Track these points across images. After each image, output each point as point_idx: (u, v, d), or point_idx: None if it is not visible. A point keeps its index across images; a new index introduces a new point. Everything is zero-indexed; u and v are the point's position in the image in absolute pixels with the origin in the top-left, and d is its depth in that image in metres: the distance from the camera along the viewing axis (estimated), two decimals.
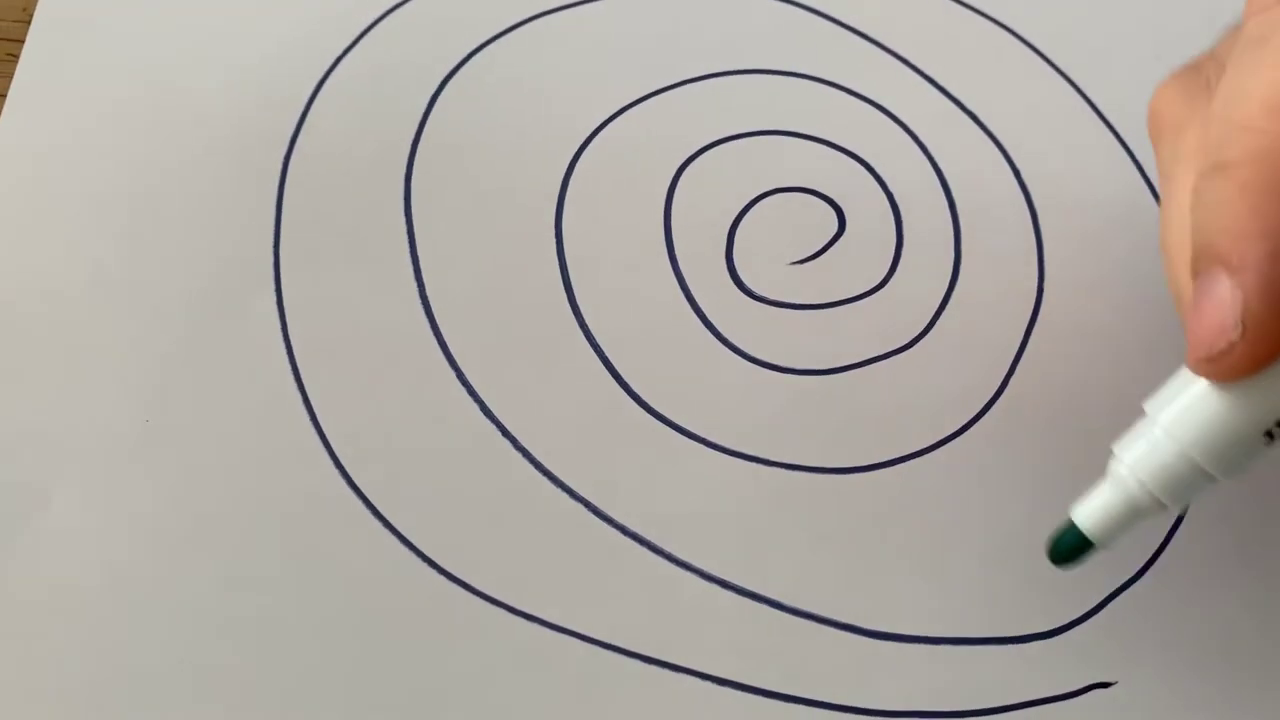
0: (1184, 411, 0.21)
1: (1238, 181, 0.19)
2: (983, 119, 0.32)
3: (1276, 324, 0.19)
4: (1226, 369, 0.20)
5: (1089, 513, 0.23)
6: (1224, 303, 0.19)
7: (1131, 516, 0.22)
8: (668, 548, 0.26)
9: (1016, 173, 0.31)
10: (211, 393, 0.27)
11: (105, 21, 0.31)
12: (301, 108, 0.31)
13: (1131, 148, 0.32)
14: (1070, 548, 0.23)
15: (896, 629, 0.26)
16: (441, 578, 0.25)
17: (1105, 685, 0.25)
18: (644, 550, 0.26)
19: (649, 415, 0.28)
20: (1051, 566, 0.23)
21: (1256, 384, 0.20)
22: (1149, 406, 0.22)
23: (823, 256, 0.30)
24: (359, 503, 0.26)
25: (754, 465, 0.27)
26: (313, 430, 0.27)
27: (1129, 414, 0.28)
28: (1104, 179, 0.31)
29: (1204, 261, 0.20)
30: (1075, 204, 0.31)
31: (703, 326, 0.29)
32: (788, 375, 0.28)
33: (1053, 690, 0.25)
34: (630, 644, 0.25)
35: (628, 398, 0.28)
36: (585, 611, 0.25)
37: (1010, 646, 0.26)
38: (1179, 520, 0.27)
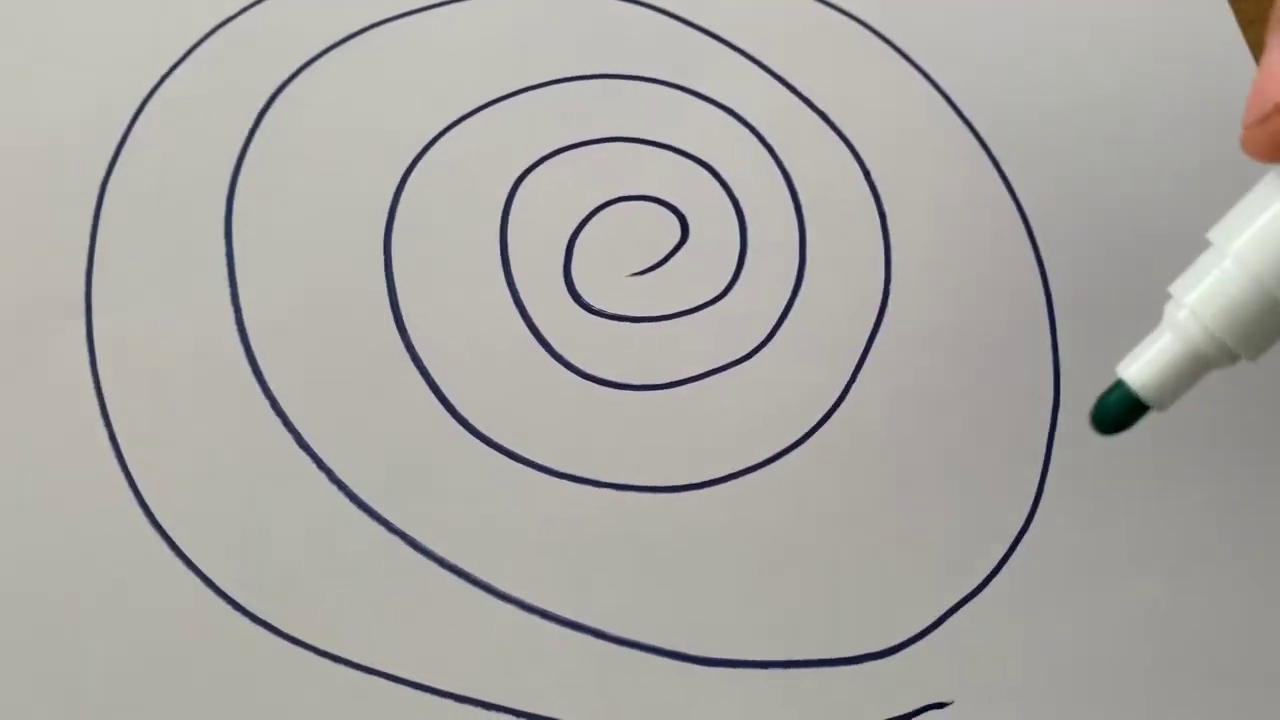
0: (1260, 234, 0.18)
1: None
2: (832, 117, 0.31)
3: None
4: (1273, 134, 0.17)
5: (1143, 368, 0.19)
6: None
7: (1196, 369, 0.19)
8: (487, 578, 0.25)
9: (866, 173, 0.30)
10: (13, 428, 0.26)
11: None
12: (122, 130, 0.30)
13: (988, 143, 0.31)
14: (1120, 411, 0.19)
15: (726, 654, 0.25)
16: (244, 619, 0.24)
17: (941, 705, 0.24)
18: (462, 582, 0.25)
19: (474, 439, 0.27)
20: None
21: None
22: (1214, 235, 0.18)
23: (664, 266, 0.29)
24: (161, 542, 0.25)
25: (582, 487, 0.26)
26: (117, 466, 0.25)
27: (979, 421, 0.27)
28: (957, 177, 0.31)
29: (1273, 27, 0.18)
30: (926, 203, 0.30)
31: (536, 344, 0.28)
32: (624, 391, 0.27)
33: (888, 712, 0.24)
34: (444, 683, 0.24)
35: (453, 421, 0.27)
36: (396, 650, 0.24)
37: (844, 668, 0.25)
38: (1023, 529, 0.26)
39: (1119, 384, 0.20)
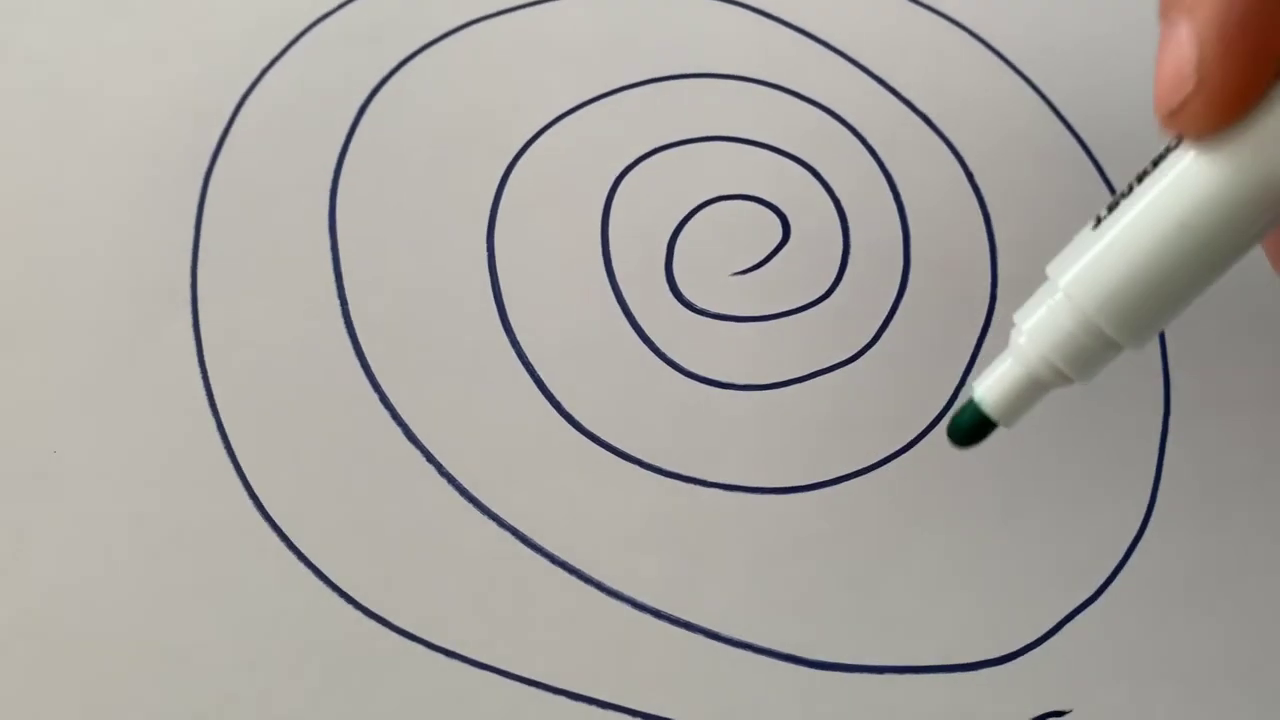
0: (1084, 270, 0.19)
1: None
2: (934, 119, 0.31)
3: (1234, 73, 0.17)
4: (1187, 124, 0.18)
5: (989, 387, 0.21)
6: (1181, 50, 0.17)
7: (1034, 391, 0.20)
8: (598, 576, 0.25)
9: (969, 175, 0.30)
10: (122, 422, 0.26)
11: (13, 33, 0.30)
12: (224, 124, 0.30)
13: (1092, 150, 0.31)
14: (970, 426, 0.21)
15: (840, 658, 0.24)
16: (358, 613, 0.24)
17: (1060, 714, 0.24)
18: (572, 579, 0.25)
19: (581, 436, 0.26)
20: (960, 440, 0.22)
21: (1165, 241, 0.18)
22: (1050, 268, 0.20)
23: (766, 267, 0.29)
24: (273, 535, 0.25)
25: (690, 486, 0.26)
26: (227, 459, 0.25)
27: (1082, 423, 0.27)
28: (1060, 179, 0.30)
29: (1163, 10, 0.18)
30: (1030, 205, 0.30)
31: (640, 342, 0.28)
32: (728, 391, 0.27)
33: None
34: (556, 680, 0.24)
35: (560, 418, 0.27)
36: (509, 646, 0.24)
37: (959, 674, 0.24)
38: (1138, 535, 0.26)
39: (970, 401, 0.21)
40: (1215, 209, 0.18)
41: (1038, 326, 0.20)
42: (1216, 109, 0.17)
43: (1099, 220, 0.20)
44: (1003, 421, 0.21)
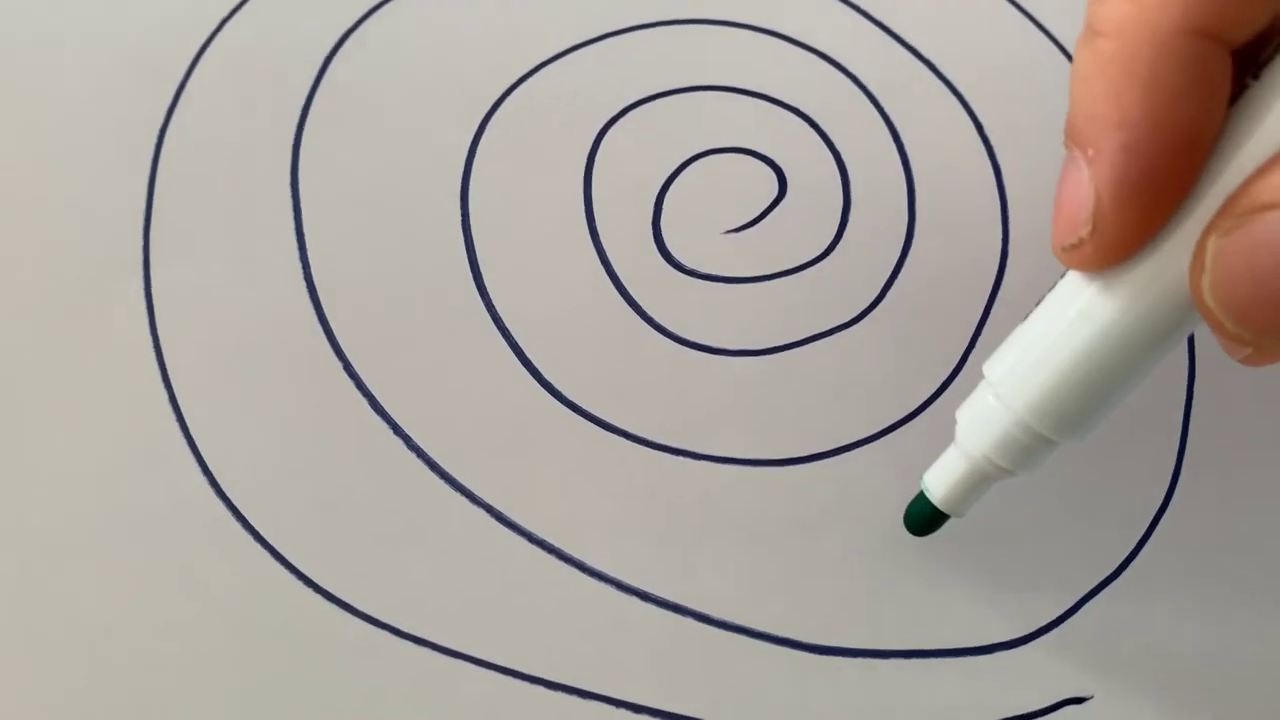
0: (1012, 370, 0.19)
1: (1102, 56, 0.17)
2: (939, 66, 0.29)
3: (1127, 223, 0.18)
4: (1079, 263, 0.18)
5: (937, 481, 0.21)
6: (1080, 192, 0.18)
7: (979, 484, 0.21)
8: (580, 556, 0.23)
9: (979, 126, 0.28)
10: (66, 396, 0.24)
11: None
12: (180, 77, 0.28)
13: None
14: (923, 517, 0.22)
15: (841, 642, 0.23)
16: (319, 598, 0.22)
17: (1080, 700, 0.22)
18: (553, 560, 0.23)
19: (563, 406, 0.25)
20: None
21: (1092, 341, 0.19)
22: (986, 368, 0.20)
23: (761, 223, 0.27)
24: (229, 515, 0.23)
25: (681, 459, 0.24)
26: (180, 436, 0.24)
27: None
28: None
29: (1068, 140, 0.18)
30: (1043, 158, 0.28)
31: (626, 306, 0.26)
32: (721, 357, 0.25)
33: (1021, 707, 0.22)
34: (535, 669, 0.22)
35: (539, 388, 0.25)
36: (485, 633, 0.22)
37: (971, 658, 0.23)
38: (1161, 509, 0.24)
39: (921, 493, 0.22)
40: (1120, 332, 0.18)
41: (975, 425, 0.20)
42: (1107, 255, 0.18)
43: (1027, 315, 0.20)
44: (953, 513, 0.22)
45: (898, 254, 0.27)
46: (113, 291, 0.25)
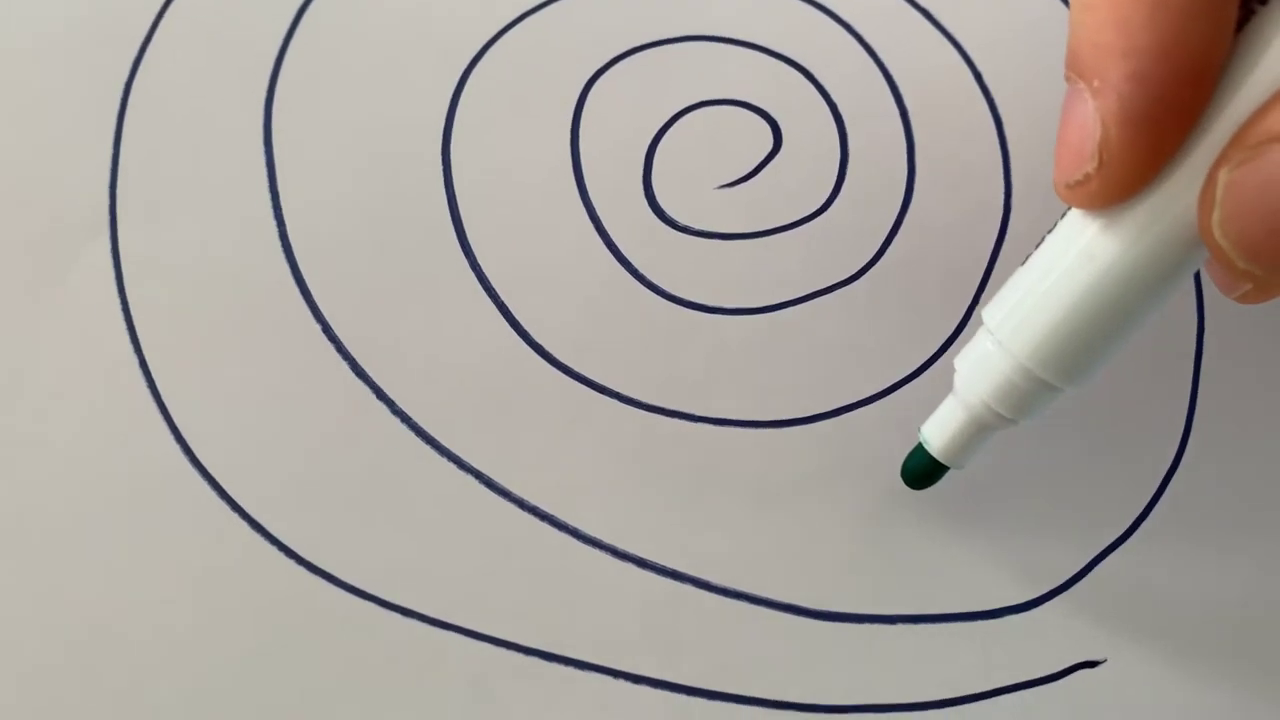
0: (1012, 315, 0.19)
1: None
2: (936, 15, 0.28)
3: (1136, 155, 0.17)
4: (1084, 200, 0.18)
5: (935, 431, 0.21)
6: (1086, 125, 0.17)
7: (979, 433, 0.20)
8: (573, 523, 0.22)
9: (977, 74, 0.27)
10: (32, 360, 0.23)
11: None
12: (147, 26, 0.26)
13: None
14: (921, 469, 0.21)
15: (845, 608, 0.22)
16: (301, 568, 0.21)
17: (1092, 664, 0.22)
18: (545, 526, 0.22)
19: (552, 368, 0.24)
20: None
21: (1095, 281, 0.18)
22: (985, 313, 0.20)
23: (755, 178, 0.26)
24: (204, 483, 0.22)
25: (677, 421, 0.23)
26: (151, 401, 0.23)
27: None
28: None
29: (1070, 72, 0.17)
30: (1046, 107, 0.27)
31: (616, 263, 0.25)
32: (716, 316, 0.24)
33: (1031, 672, 0.21)
34: (527, 639, 0.21)
35: (528, 348, 0.24)
36: (475, 604, 0.21)
37: (980, 623, 0.22)
38: (1173, 466, 0.23)
39: (919, 445, 0.21)
40: (1123, 271, 0.18)
41: (974, 372, 0.20)
42: (1114, 191, 0.17)
43: (1026, 258, 0.19)
44: (952, 464, 0.21)
45: (898, 208, 0.26)
46: (78, 255, 0.24)
